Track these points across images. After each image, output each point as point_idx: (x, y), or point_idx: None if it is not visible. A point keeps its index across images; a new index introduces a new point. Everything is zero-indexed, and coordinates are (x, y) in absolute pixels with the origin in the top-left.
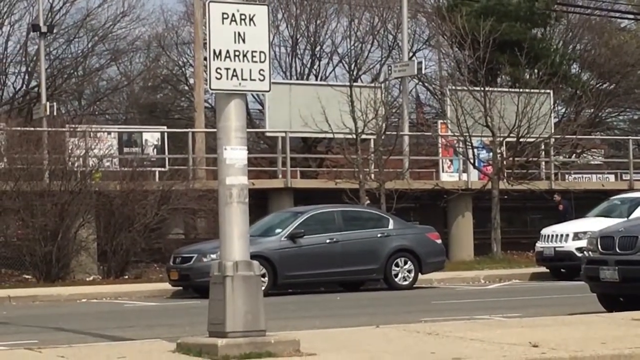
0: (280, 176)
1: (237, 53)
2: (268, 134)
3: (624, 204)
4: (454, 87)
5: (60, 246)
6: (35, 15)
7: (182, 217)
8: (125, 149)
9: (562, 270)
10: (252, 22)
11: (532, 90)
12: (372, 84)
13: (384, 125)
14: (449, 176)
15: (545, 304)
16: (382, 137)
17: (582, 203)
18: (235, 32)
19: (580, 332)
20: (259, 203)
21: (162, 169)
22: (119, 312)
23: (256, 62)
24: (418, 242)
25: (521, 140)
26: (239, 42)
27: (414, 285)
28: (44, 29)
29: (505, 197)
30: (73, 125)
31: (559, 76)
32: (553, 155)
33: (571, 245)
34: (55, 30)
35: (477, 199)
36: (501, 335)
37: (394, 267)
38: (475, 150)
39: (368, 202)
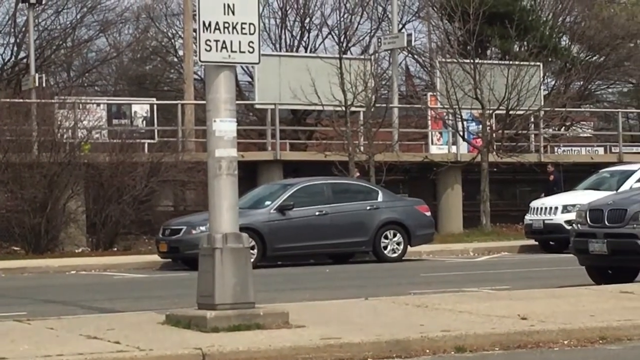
0: (269, 148)
1: (226, 25)
2: (257, 106)
3: (613, 177)
4: (443, 60)
5: (49, 218)
6: None
7: (171, 189)
8: (115, 121)
9: (551, 242)
10: None
11: (521, 63)
12: (362, 56)
13: (373, 97)
14: (439, 149)
15: (534, 276)
16: (372, 110)
17: (572, 176)
18: (224, 4)
19: (569, 304)
20: (248, 175)
21: (152, 141)
22: (108, 284)
23: (246, 34)
24: (407, 214)
25: (511, 112)
26: (228, 13)
27: (403, 258)
28: (32, 0)
29: (495, 169)
30: (62, 97)
31: (549, 49)
32: (542, 128)
33: (560, 218)
34: (44, 1)
35: (467, 171)
36: (490, 308)
37: (383, 240)
38: (465, 122)
39: (358, 174)
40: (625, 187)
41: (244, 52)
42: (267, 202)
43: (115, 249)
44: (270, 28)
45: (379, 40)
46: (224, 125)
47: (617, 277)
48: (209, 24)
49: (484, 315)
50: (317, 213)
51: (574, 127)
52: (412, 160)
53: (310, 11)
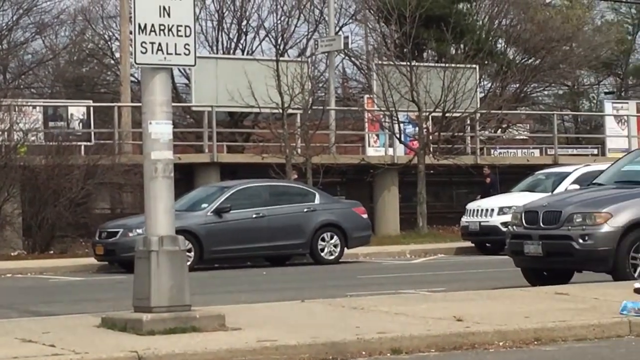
0: (206, 151)
1: (162, 27)
2: (194, 109)
3: (549, 179)
4: (380, 62)
5: None
6: None
7: (108, 191)
8: (51, 123)
9: (487, 244)
10: None
11: (457, 65)
12: (299, 59)
13: (310, 99)
14: (375, 151)
15: (470, 278)
16: (309, 112)
17: (508, 178)
18: (160, 6)
19: (504, 306)
20: (185, 178)
21: (88, 143)
22: (44, 287)
23: (181, 36)
24: (344, 216)
25: (447, 115)
26: (164, 16)
27: (340, 260)
28: None
29: (431, 171)
30: None
31: (485, 51)
32: (479, 130)
33: (496, 220)
34: None
35: (403, 173)
36: (426, 310)
37: (320, 242)
38: (402, 125)
39: (295, 176)
40: (561, 189)
41: (179, 54)
42: (204, 205)
43: (52, 251)
44: (207, 30)
45: (316, 42)
46: (160, 128)
47: (552, 278)
48: (145, 26)
49: (420, 317)
50: (254, 215)
51: (510, 130)
52: (349, 162)
53: (247, 13)
